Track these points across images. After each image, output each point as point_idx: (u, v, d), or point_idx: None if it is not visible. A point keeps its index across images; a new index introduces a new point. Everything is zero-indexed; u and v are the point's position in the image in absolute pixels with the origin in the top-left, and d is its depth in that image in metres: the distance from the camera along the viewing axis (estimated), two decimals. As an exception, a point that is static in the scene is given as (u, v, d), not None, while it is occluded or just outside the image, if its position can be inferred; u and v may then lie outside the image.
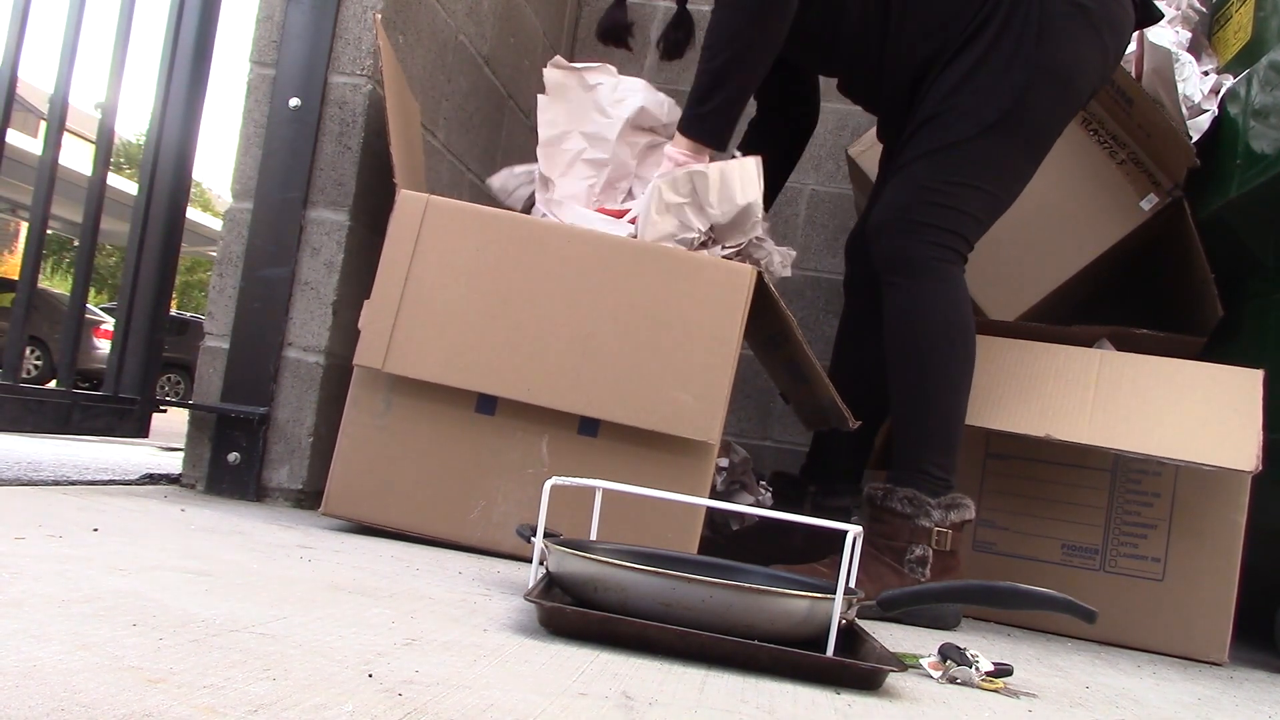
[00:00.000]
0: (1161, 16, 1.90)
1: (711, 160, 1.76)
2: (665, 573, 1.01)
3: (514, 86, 2.69)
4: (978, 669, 1.12)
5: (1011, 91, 1.66)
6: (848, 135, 2.95)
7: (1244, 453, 1.70)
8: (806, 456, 2.15)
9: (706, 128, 1.75)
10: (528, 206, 1.97)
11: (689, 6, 2.10)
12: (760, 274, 1.61)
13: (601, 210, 1.84)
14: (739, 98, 1.76)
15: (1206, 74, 2.29)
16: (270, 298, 1.90)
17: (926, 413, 1.70)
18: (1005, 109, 1.66)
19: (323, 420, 1.89)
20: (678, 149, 1.76)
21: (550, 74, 1.96)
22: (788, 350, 1.84)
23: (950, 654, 1.14)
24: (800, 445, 2.67)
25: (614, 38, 2.10)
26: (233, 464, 1.87)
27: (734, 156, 1.81)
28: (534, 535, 1.16)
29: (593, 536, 1.29)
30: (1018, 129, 1.69)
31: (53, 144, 1.76)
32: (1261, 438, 1.72)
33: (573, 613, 1.03)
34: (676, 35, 2.07)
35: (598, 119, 1.91)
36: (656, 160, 1.88)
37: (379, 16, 1.88)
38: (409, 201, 1.65)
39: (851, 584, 1.06)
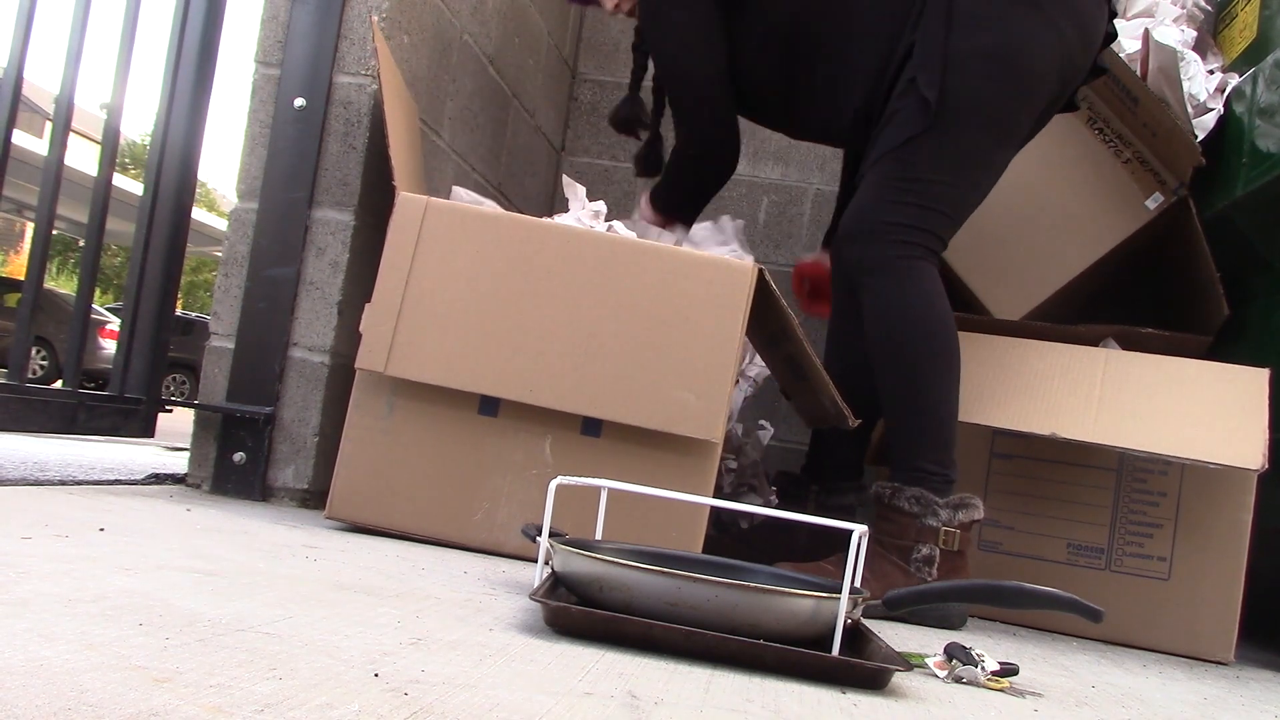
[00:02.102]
0: None
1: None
2: (671, 572, 1.01)
3: (519, 86, 2.69)
4: (983, 668, 1.12)
5: (947, 80, 1.66)
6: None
7: (1250, 451, 1.70)
8: (806, 455, 2.15)
9: (669, 211, 2.10)
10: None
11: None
12: (761, 271, 1.61)
13: None
14: (697, 208, 2.12)
15: (1212, 72, 2.29)
16: (275, 298, 1.90)
17: (915, 413, 1.70)
18: (944, 98, 1.66)
19: (328, 420, 1.90)
20: (644, 206, 2.11)
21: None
22: (788, 348, 1.84)
23: (956, 653, 1.14)
24: (805, 444, 2.66)
25: (627, 129, 2.27)
26: (238, 464, 1.87)
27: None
28: (539, 535, 1.16)
29: (598, 536, 1.29)
30: (965, 116, 1.69)
31: (58, 144, 1.76)
32: (1267, 436, 1.72)
33: (578, 612, 1.03)
34: (649, 153, 2.26)
35: None
36: None
37: (375, 19, 1.88)
38: (408, 204, 1.65)
39: (857, 583, 1.06)
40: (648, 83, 2.20)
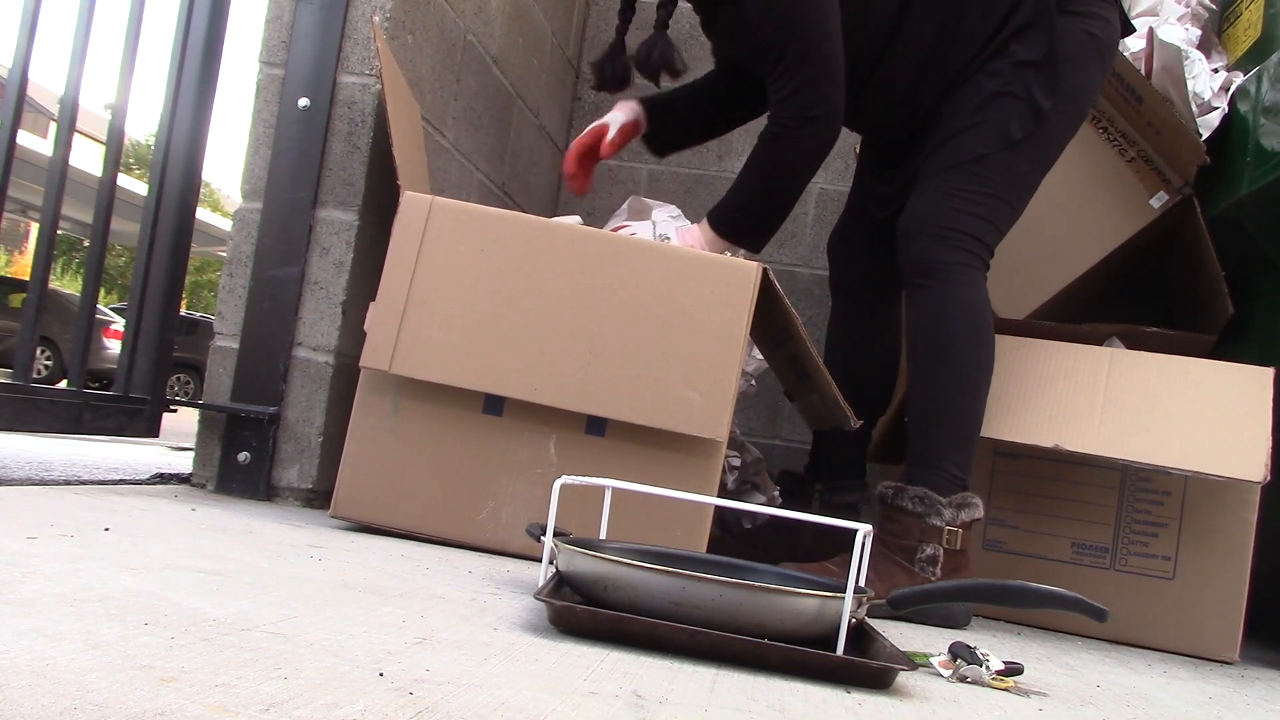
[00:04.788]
0: (1134, 30, 2.04)
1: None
2: (675, 571, 1.01)
3: (522, 86, 2.69)
4: (988, 668, 1.12)
5: (1036, 112, 1.73)
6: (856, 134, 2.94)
7: (1253, 461, 1.70)
8: (809, 455, 2.16)
9: (743, 232, 1.84)
10: None
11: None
12: (765, 270, 1.62)
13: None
14: (782, 215, 1.85)
15: (1216, 71, 2.28)
16: (280, 297, 1.90)
17: (950, 411, 1.71)
18: (1030, 128, 1.74)
19: (332, 420, 1.90)
20: (703, 239, 1.84)
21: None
22: (792, 348, 1.85)
23: (960, 653, 1.14)
24: (808, 444, 2.66)
25: (617, 86, 2.06)
26: (243, 463, 1.87)
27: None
28: (544, 534, 1.16)
29: (602, 535, 1.29)
30: (1038, 146, 1.77)
31: (63, 144, 1.77)
32: (1270, 443, 1.71)
33: (583, 611, 1.03)
34: (614, 69, 2.04)
35: None
36: None
37: (376, 19, 1.88)
38: (413, 203, 1.65)
39: (861, 582, 1.06)
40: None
